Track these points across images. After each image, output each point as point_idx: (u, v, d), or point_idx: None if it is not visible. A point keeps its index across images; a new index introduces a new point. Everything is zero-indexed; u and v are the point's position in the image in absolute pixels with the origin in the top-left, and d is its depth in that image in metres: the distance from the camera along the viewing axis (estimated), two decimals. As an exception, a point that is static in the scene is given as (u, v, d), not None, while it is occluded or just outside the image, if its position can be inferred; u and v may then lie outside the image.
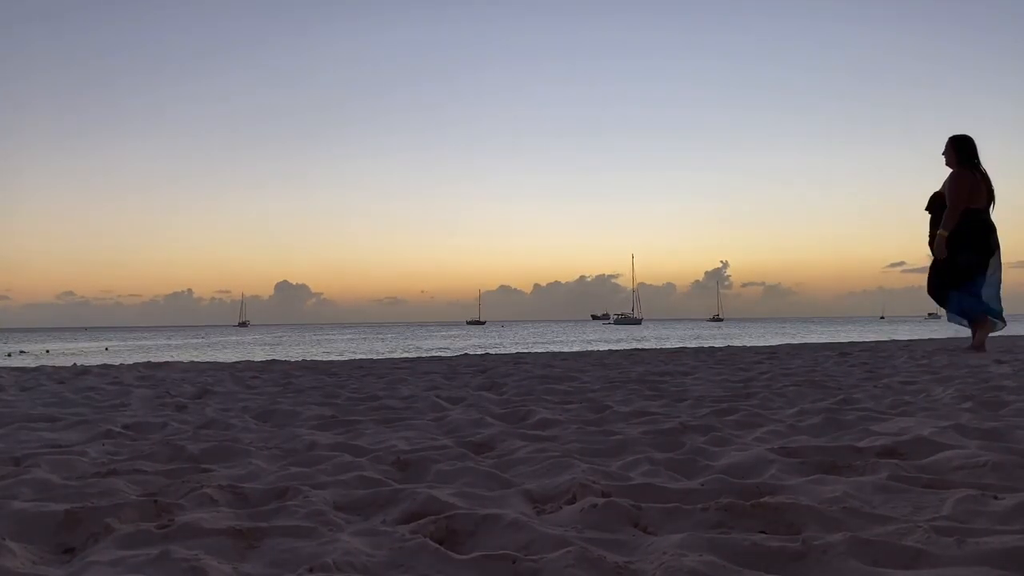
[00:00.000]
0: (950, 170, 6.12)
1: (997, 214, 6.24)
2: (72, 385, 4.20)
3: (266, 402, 3.35)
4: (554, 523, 1.36)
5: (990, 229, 6.10)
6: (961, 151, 6.08)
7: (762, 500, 1.40)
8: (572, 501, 1.49)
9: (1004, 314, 6.22)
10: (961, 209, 5.97)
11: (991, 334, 6.36)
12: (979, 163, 6.06)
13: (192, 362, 6.79)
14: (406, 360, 6.86)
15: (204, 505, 1.49)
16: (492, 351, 10.51)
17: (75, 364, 7.04)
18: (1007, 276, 6.35)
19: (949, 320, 6.44)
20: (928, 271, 6.32)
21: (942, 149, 6.19)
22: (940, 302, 6.41)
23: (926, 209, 6.38)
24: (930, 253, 6.24)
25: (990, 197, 6.08)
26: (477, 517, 1.32)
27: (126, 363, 6.67)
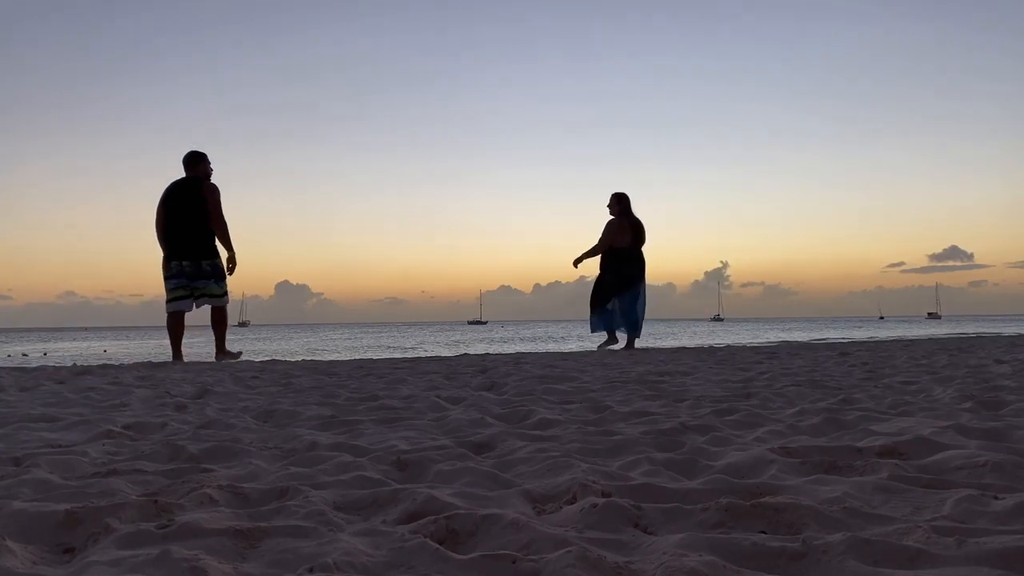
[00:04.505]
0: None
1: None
2: (72, 385, 4.20)
3: (266, 402, 3.35)
4: (554, 523, 1.35)
5: (625, 261, 8.23)
6: (622, 204, 8.28)
7: (762, 500, 1.40)
8: (572, 501, 1.49)
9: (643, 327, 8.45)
10: (604, 248, 8.27)
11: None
12: (631, 213, 8.29)
13: (192, 362, 6.79)
14: (406, 360, 6.86)
15: (204, 505, 1.49)
16: (492, 351, 10.50)
17: (75, 364, 7.04)
18: (1007, 275, 7.18)
19: (593, 330, 8.48)
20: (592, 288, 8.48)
21: (607, 202, 8.35)
22: (593, 310, 8.41)
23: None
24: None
25: (638, 239, 8.28)
26: (477, 517, 1.32)
27: (126, 363, 6.67)
